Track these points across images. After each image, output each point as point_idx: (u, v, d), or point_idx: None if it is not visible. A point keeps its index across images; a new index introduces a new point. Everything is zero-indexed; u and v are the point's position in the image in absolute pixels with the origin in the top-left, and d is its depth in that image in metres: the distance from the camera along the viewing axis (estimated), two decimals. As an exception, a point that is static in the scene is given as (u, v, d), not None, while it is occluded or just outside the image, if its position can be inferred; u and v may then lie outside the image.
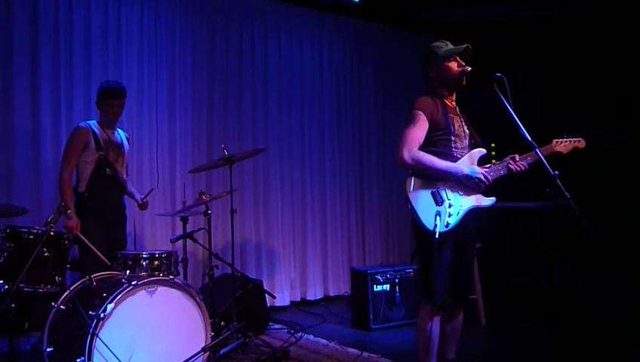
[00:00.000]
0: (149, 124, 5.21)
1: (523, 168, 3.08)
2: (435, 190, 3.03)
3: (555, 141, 3.18)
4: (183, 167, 5.36)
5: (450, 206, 3.00)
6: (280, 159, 6.10)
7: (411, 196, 3.05)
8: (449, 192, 3.03)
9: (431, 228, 2.92)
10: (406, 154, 3.01)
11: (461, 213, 3.02)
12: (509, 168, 3.09)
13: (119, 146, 4.19)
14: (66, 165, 3.97)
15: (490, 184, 3.04)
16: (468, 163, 3.10)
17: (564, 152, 3.18)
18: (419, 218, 2.99)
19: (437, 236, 2.85)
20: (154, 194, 5.16)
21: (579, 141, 3.22)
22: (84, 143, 3.99)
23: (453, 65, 3.13)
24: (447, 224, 2.96)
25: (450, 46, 3.18)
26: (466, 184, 3.04)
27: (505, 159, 3.14)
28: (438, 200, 3.00)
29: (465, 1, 6.24)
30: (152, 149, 5.23)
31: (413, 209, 3.02)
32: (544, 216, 5.69)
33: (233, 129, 5.77)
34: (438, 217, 2.91)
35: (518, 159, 3.09)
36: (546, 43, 6.23)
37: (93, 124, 4.11)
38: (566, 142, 3.20)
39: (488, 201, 3.10)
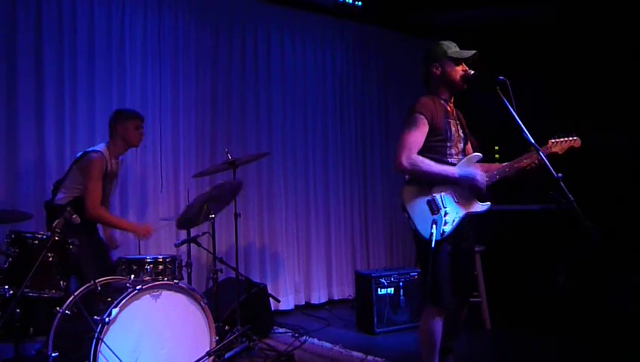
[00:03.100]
0: (152, 129, 5.21)
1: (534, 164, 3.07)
2: (430, 198, 3.04)
3: (551, 142, 3.16)
4: (186, 172, 5.37)
5: (446, 214, 3.00)
6: (284, 163, 6.11)
7: (408, 205, 3.08)
8: (445, 200, 3.05)
9: (427, 236, 2.93)
10: (404, 160, 3.01)
11: (457, 220, 3.03)
12: (526, 162, 3.06)
13: (116, 176, 4.23)
14: (94, 198, 3.86)
15: (487, 185, 3.04)
16: (465, 166, 3.11)
17: (560, 152, 3.15)
18: (415, 227, 3.03)
19: (433, 245, 2.87)
20: (157, 199, 5.20)
21: (574, 140, 3.18)
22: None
23: (458, 68, 3.14)
24: (443, 232, 2.97)
25: (458, 49, 3.18)
26: (463, 185, 3.04)
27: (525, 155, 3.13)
28: (434, 209, 3.02)
29: (468, 4, 6.25)
30: (155, 154, 5.24)
31: (410, 218, 3.06)
32: (548, 219, 5.68)
33: (237, 133, 5.78)
34: (434, 225, 2.93)
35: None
36: (549, 45, 6.22)
37: (103, 149, 4.03)
38: (562, 141, 3.16)
39: (483, 207, 3.11)
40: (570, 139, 3.18)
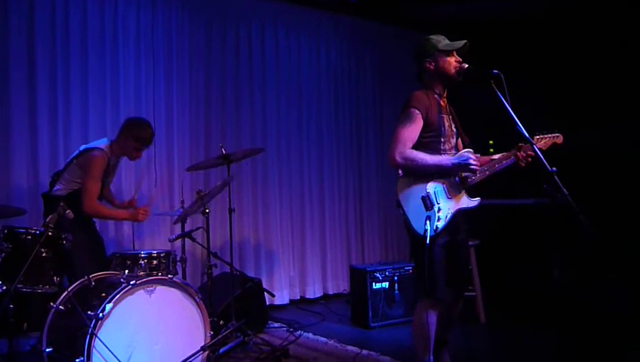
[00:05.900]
0: (146, 124, 5.19)
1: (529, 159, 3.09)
2: (425, 194, 3.05)
3: (535, 137, 3.19)
4: (181, 167, 5.35)
5: (439, 210, 3.02)
6: (278, 158, 6.10)
7: (402, 200, 3.10)
8: (438, 195, 3.06)
9: (421, 232, 2.94)
10: (398, 155, 3.04)
11: (449, 216, 3.06)
12: (517, 156, 3.10)
13: (115, 168, 4.25)
14: (91, 196, 3.88)
15: (477, 171, 3.07)
16: None
17: (544, 148, 3.19)
18: (410, 223, 3.05)
19: (428, 241, 2.87)
20: (152, 194, 5.18)
21: (557, 137, 3.25)
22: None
23: (451, 60, 3.14)
24: (436, 228, 2.98)
25: (448, 41, 3.18)
26: (458, 171, 3.06)
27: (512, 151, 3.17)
28: (428, 205, 3.03)
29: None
30: (149, 149, 5.19)
31: (404, 213, 3.07)
32: (542, 213, 5.69)
33: (231, 128, 5.77)
34: (428, 221, 2.93)
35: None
36: (544, 40, 6.22)
37: (106, 147, 4.02)
38: (546, 138, 3.23)
39: (473, 202, 3.15)
40: (553, 135, 3.25)
